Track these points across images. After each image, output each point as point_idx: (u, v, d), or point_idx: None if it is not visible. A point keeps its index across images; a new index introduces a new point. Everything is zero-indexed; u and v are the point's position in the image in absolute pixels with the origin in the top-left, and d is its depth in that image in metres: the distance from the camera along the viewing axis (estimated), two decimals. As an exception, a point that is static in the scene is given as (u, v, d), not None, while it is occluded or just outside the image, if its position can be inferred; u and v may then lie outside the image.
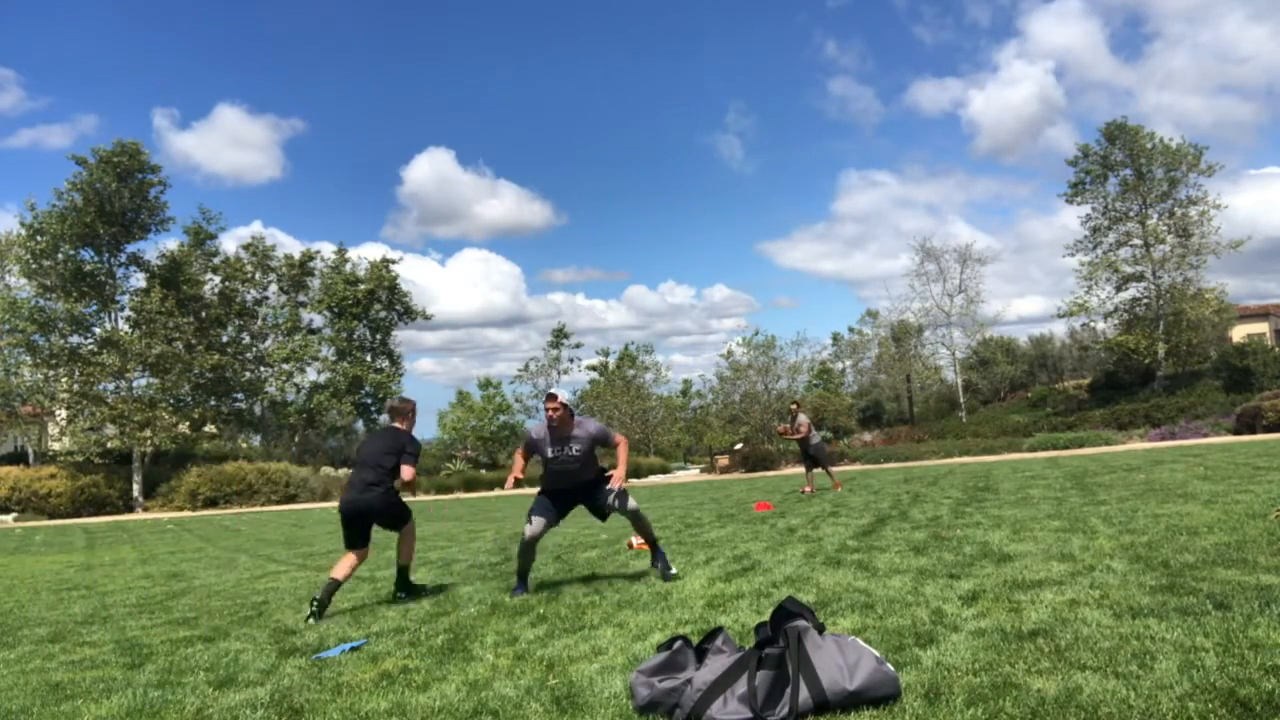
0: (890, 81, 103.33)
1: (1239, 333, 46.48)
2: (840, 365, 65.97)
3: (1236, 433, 24.11)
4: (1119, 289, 42.18)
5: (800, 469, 28.18)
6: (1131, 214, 41.37)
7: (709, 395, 52.67)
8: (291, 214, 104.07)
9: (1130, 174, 40.94)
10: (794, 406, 16.93)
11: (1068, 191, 43.08)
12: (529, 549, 6.67)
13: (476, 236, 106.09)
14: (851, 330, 66.22)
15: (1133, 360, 41.71)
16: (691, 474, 37.20)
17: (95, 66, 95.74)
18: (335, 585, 6.52)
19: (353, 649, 5.05)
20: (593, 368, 58.13)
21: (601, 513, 6.76)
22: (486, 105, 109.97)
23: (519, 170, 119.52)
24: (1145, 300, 41.30)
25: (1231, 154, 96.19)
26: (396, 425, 7.02)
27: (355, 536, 6.71)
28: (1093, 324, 45.60)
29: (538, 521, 6.56)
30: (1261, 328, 48.63)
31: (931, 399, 58.75)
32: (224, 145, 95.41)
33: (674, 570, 6.79)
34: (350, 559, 6.66)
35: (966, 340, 49.36)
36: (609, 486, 6.57)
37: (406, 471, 6.61)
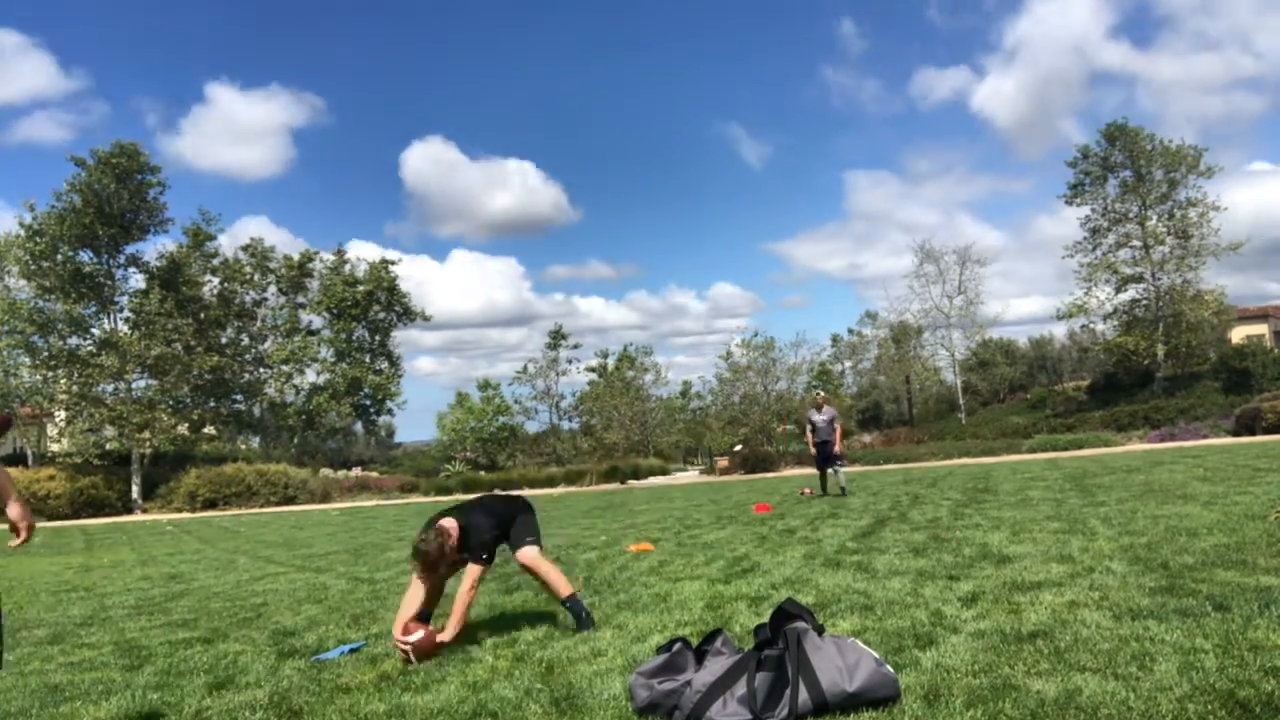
0: (896, 74, 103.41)
1: (1238, 334, 46.51)
2: (840, 367, 66.03)
3: (1236, 434, 24.14)
4: (1118, 290, 42.21)
5: (801, 470, 28.15)
6: (1131, 215, 41.40)
7: (708, 397, 52.75)
8: (292, 211, 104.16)
9: (1130, 175, 40.98)
10: (821, 397, 15.49)
11: (1067, 193, 43.09)
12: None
13: (479, 235, 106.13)
14: (851, 331, 66.29)
15: (1131, 362, 41.74)
16: (691, 475, 37.19)
17: (96, 57, 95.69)
18: None
19: (352, 650, 5.05)
20: (591, 369, 58.11)
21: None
22: (493, 99, 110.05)
23: (525, 167, 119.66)
24: (1145, 302, 41.34)
25: (1232, 149, 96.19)
26: None
27: None
28: (1092, 325, 45.56)
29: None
30: (1261, 329, 48.66)
31: (931, 400, 58.78)
32: (222, 140, 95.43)
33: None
34: None
35: (966, 342, 49.35)
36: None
37: None
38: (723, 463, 34.48)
